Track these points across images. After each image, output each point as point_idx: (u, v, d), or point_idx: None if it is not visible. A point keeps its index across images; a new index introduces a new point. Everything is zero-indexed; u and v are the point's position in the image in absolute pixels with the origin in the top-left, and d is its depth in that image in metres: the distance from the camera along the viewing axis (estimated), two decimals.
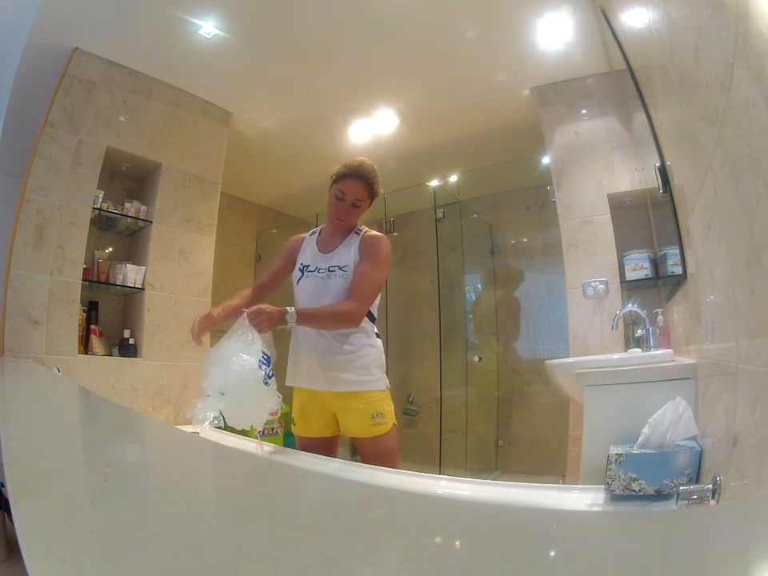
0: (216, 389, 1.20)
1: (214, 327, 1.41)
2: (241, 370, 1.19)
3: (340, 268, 1.45)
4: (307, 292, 1.48)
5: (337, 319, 1.39)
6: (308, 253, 1.54)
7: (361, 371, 1.43)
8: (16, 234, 2.13)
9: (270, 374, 1.22)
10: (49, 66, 2.30)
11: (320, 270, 1.48)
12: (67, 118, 2.31)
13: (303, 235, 1.62)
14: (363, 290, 1.40)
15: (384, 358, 1.51)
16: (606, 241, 2.36)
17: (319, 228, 1.60)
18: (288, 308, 1.28)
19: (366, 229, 1.53)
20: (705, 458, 0.99)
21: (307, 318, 1.34)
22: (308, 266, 1.50)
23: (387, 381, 1.49)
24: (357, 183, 1.43)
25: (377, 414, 1.42)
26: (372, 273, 1.42)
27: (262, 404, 1.23)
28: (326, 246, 1.52)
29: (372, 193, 1.47)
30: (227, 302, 1.47)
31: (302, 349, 1.48)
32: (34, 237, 2.18)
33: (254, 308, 1.25)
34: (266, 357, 1.22)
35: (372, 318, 1.49)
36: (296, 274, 1.53)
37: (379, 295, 1.49)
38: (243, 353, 1.20)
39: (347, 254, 1.47)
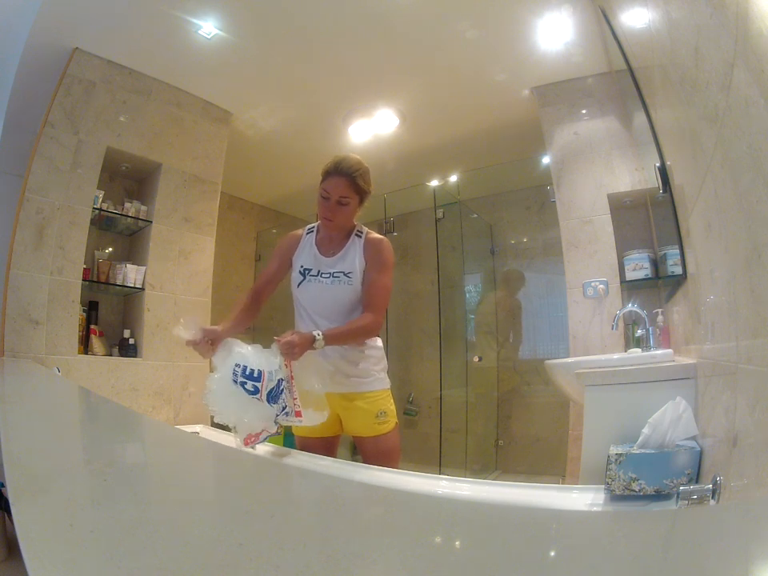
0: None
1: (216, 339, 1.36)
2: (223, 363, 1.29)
3: (345, 274, 1.43)
4: (310, 297, 1.47)
5: (362, 335, 1.42)
6: (307, 254, 1.50)
7: (364, 372, 1.45)
8: (16, 233, 2.13)
9: (243, 383, 1.25)
10: (49, 66, 2.30)
11: (323, 275, 1.45)
12: (67, 118, 2.31)
13: (298, 232, 1.56)
14: (380, 301, 1.42)
15: (385, 358, 1.52)
16: (606, 241, 2.36)
17: (315, 225, 1.54)
18: (315, 333, 1.29)
19: (367, 230, 1.51)
20: (705, 458, 0.99)
21: (334, 339, 1.35)
22: (309, 270, 1.47)
23: (389, 380, 1.50)
24: (339, 180, 1.38)
25: (381, 413, 1.43)
26: (383, 281, 1.43)
27: (231, 402, 1.27)
28: (327, 248, 1.49)
29: (358, 189, 1.40)
30: (229, 318, 1.44)
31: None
32: (34, 237, 2.17)
33: (285, 340, 1.26)
34: (252, 370, 1.26)
35: None
36: (296, 276, 1.49)
37: None
38: (241, 357, 1.28)
39: (352, 259, 1.45)
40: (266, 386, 1.25)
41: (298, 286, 1.49)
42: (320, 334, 1.29)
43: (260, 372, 1.25)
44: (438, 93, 2.83)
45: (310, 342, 1.28)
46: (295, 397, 1.28)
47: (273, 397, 1.25)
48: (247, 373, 1.25)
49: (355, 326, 1.39)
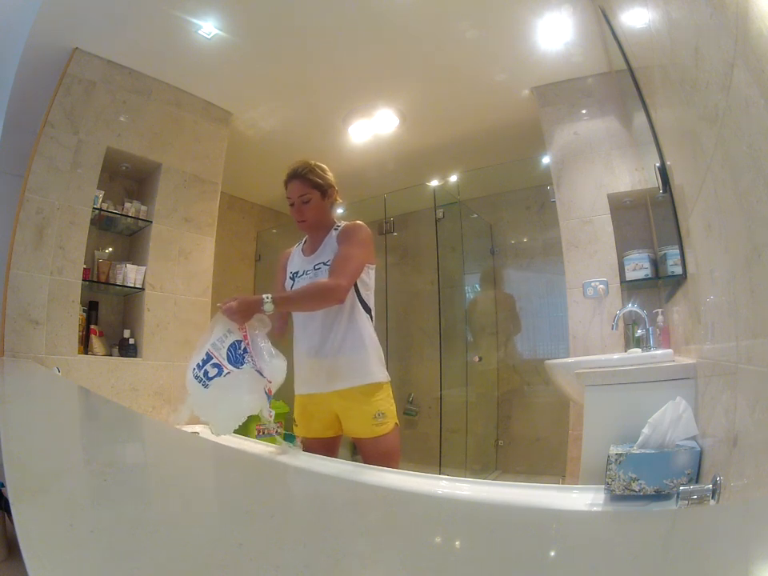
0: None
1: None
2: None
3: (324, 263, 1.48)
4: None
5: (316, 295, 1.38)
6: (295, 261, 1.60)
7: (360, 365, 1.44)
8: (16, 233, 2.13)
9: (206, 373, 1.23)
10: (49, 66, 2.30)
11: (307, 272, 1.52)
12: (67, 117, 2.31)
13: (290, 249, 1.68)
14: (342, 267, 1.41)
15: (381, 349, 1.51)
16: (606, 241, 2.36)
17: (304, 238, 1.65)
18: (264, 296, 1.29)
19: (345, 222, 1.56)
20: (705, 458, 0.99)
21: (285, 300, 1.36)
22: (297, 272, 1.55)
23: (387, 373, 1.49)
24: (293, 183, 1.51)
25: (379, 414, 1.42)
26: (349, 251, 1.44)
27: (205, 401, 1.25)
28: (310, 249, 1.57)
29: (313, 183, 1.50)
30: None
31: (302, 350, 1.49)
32: (34, 237, 2.17)
33: (225, 306, 1.28)
34: (206, 356, 1.24)
35: (368, 310, 1.50)
36: (287, 283, 1.57)
37: (373, 288, 1.52)
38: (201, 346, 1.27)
39: (329, 249, 1.51)
40: (220, 355, 1.23)
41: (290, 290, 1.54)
42: (269, 297, 1.29)
43: (208, 354, 1.24)
44: (438, 93, 2.83)
45: (255, 306, 1.28)
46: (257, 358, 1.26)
47: (237, 359, 1.23)
48: (202, 364, 1.24)
49: (310, 286, 1.41)
